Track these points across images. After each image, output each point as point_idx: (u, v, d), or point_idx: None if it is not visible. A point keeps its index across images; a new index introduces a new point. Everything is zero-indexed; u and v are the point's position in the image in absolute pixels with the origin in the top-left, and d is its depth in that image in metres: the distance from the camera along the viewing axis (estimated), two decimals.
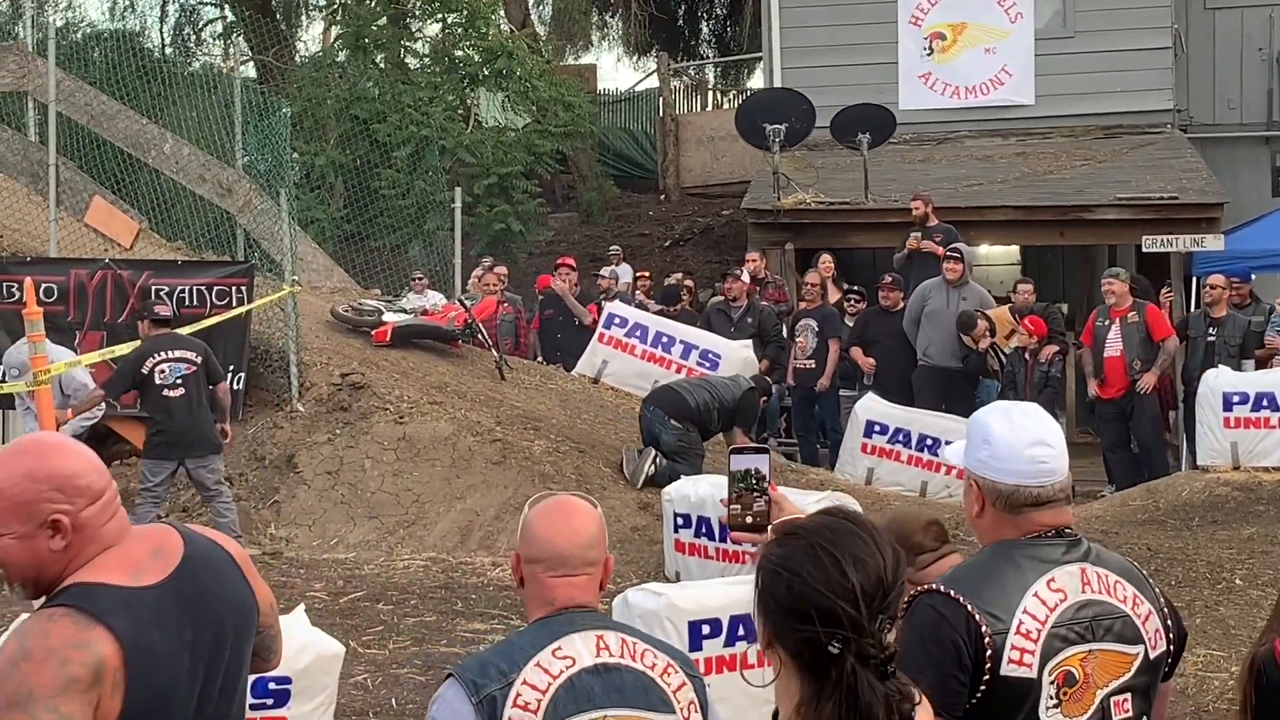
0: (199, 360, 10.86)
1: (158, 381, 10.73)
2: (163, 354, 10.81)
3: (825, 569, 2.39)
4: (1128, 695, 3.13)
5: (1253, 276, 15.35)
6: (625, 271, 19.94)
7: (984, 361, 14.12)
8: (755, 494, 3.18)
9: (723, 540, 9.71)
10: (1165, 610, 3.24)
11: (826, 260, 16.21)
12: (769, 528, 3.05)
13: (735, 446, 3.36)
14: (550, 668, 3.08)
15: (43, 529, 2.80)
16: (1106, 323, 13.44)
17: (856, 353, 14.55)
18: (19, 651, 2.69)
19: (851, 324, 14.93)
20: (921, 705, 2.45)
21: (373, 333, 14.18)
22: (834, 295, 15.71)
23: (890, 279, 14.84)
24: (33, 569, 2.83)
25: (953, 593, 3.01)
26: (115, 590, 2.80)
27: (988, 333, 14.04)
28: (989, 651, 2.97)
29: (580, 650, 3.12)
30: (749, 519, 3.18)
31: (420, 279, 17.57)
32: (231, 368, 13.01)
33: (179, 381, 10.74)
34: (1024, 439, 3.12)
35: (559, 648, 3.11)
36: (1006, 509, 3.13)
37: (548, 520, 3.21)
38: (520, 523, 3.28)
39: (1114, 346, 13.33)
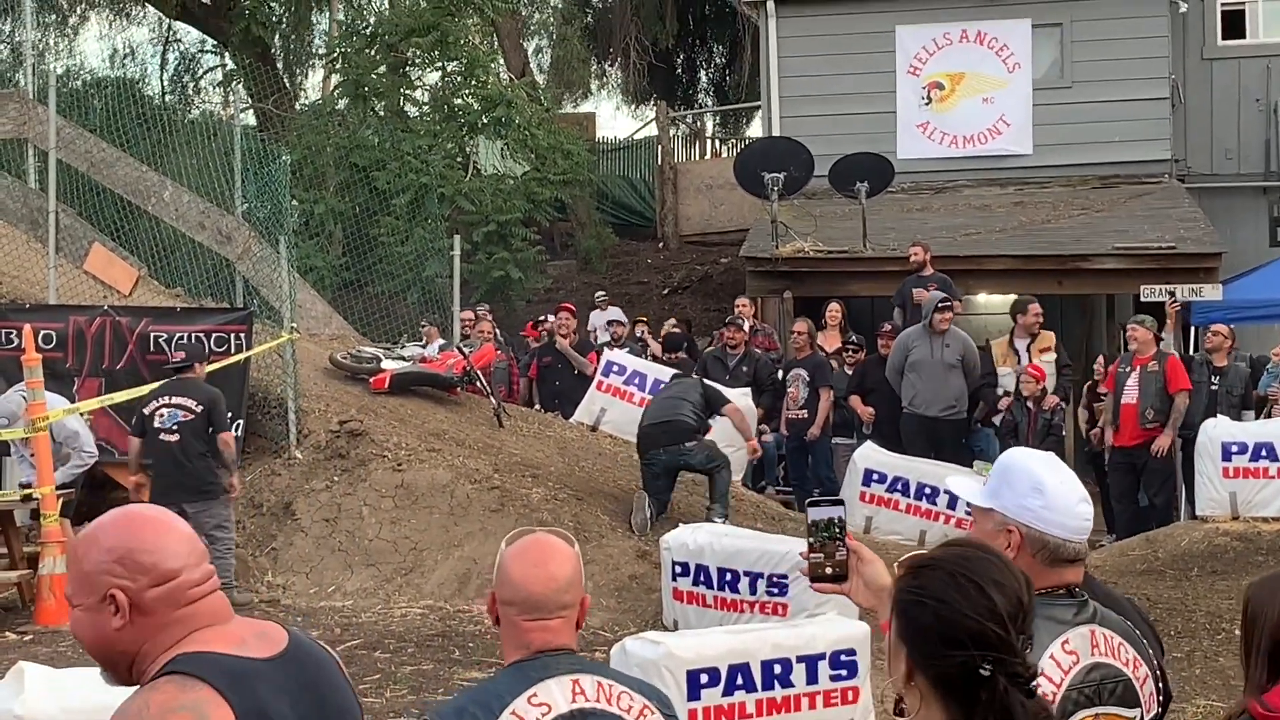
0: (199, 409, 11.01)
1: (156, 424, 11.01)
2: (165, 399, 11.08)
3: (969, 594, 2.42)
4: None
5: (1229, 327, 15.33)
6: (614, 313, 19.86)
7: (997, 401, 14.08)
8: (837, 543, 3.15)
9: (720, 589, 9.69)
10: (1159, 673, 3.24)
11: (834, 309, 16.20)
12: (898, 563, 3.01)
13: (812, 499, 3.33)
14: (526, 715, 3.07)
15: (104, 604, 2.56)
16: (1128, 370, 13.30)
17: (855, 401, 14.52)
18: None
19: (850, 373, 14.91)
20: None
21: (371, 380, 14.18)
22: (836, 343, 15.67)
23: (890, 327, 14.83)
24: (99, 647, 2.60)
25: None
26: (221, 657, 2.55)
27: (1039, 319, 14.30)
28: None
29: (556, 696, 3.10)
30: (829, 569, 3.16)
31: (429, 327, 17.49)
32: (230, 415, 13.02)
33: (175, 427, 10.95)
34: (1074, 493, 3.11)
35: (535, 694, 3.09)
36: (1047, 561, 3.09)
37: (523, 563, 3.18)
38: (496, 561, 3.25)
39: (1130, 394, 13.14)
